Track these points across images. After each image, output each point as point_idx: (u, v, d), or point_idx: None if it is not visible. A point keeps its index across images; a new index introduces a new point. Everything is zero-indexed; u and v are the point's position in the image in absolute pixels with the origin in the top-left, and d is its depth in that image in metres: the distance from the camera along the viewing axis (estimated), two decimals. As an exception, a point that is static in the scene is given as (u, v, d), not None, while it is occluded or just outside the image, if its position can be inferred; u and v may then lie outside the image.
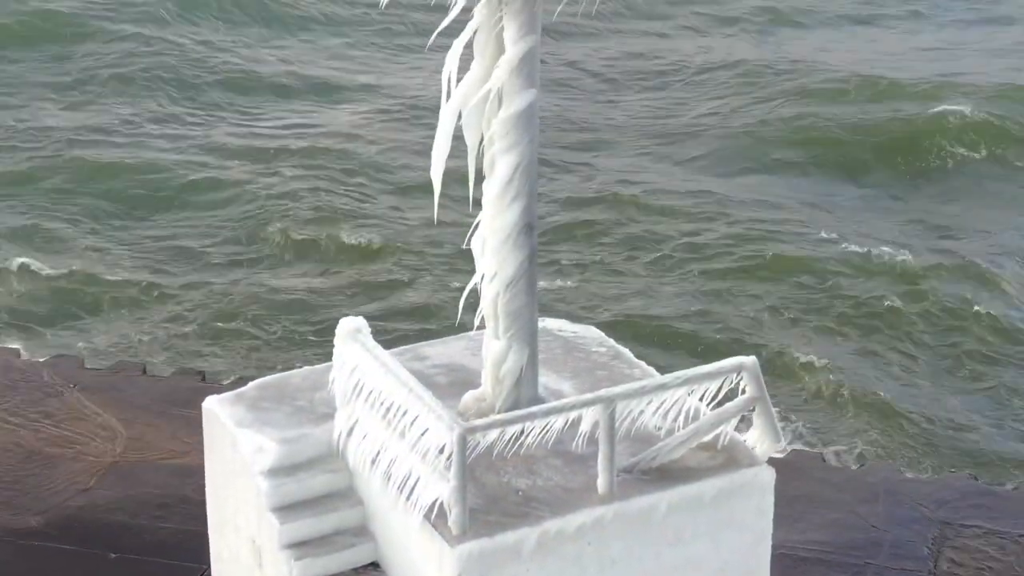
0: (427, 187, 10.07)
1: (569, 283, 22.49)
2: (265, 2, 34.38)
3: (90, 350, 20.27)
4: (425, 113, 27.28)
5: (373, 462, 9.86)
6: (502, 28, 9.55)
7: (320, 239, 23.29)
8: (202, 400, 11.01)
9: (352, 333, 10.18)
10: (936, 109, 29.56)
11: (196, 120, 28.60)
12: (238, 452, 10.37)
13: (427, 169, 9.94)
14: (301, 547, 10.01)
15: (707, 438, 10.07)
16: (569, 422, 9.60)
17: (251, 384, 11.08)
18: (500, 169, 9.76)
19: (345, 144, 26.93)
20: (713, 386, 9.96)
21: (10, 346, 19.47)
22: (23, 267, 22.48)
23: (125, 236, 24.09)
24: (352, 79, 30.68)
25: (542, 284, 20.29)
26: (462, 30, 9.63)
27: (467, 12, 9.49)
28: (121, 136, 27.54)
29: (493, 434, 9.34)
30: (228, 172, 25.90)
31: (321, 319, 20.73)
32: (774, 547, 10.24)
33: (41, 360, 17.44)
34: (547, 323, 11.65)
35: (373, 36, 33.38)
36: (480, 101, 9.70)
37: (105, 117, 28.60)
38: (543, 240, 21.18)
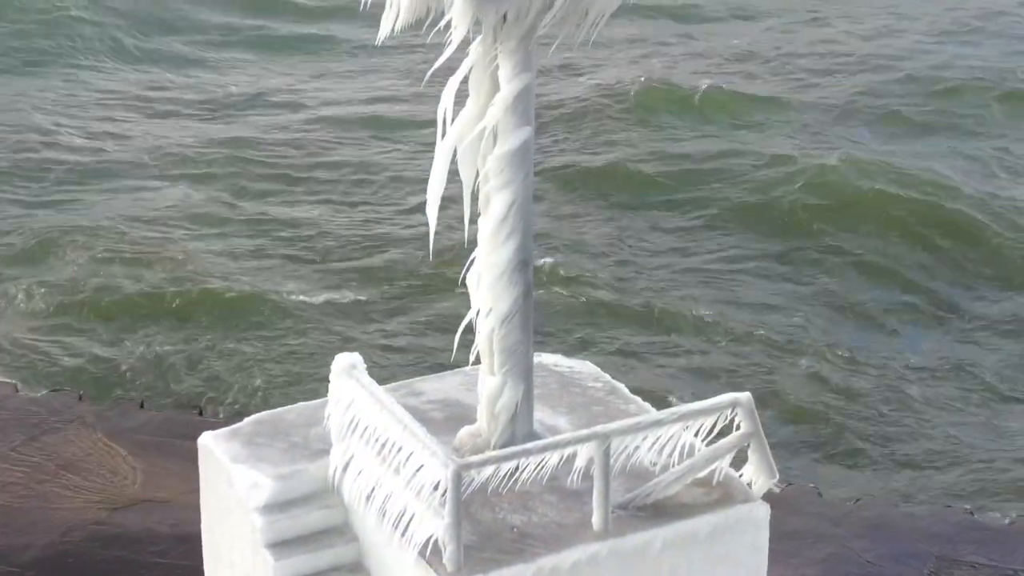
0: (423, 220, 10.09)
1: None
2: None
3: (89, 382, 20.25)
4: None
5: (368, 498, 9.86)
6: (497, 66, 9.61)
7: (315, 272, 23.33)
8: (199, 434, 11.02)
9: (347, 369, 10.20)
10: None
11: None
12: (233, 488, 10.38)
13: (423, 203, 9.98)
14: (296, 583, 10.00)
15: (702, 474, 10.09)
16: (564, 458, 9.61)
17: (247, 420, 11.09)
18: (495, 206, 9.81)
19: (341, 176, 26.99)
20: (708, 422, 9.98)
21: (8, 380, 19.46)
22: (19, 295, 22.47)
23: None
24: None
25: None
26: (457, 67, 9.70)
27: (463, 50, 9.55)
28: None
29: (488, 470, 9.35)
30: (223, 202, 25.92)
31: (316, 353, 20.74)
32: (769, 583, 10.24)
33: (39, 395, 17.44)
34: (543, 358, 11.68)
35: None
36: (475, 138, 9.76)
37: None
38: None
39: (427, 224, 9.86)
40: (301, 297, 22.43)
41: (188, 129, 29.80)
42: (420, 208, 23.44)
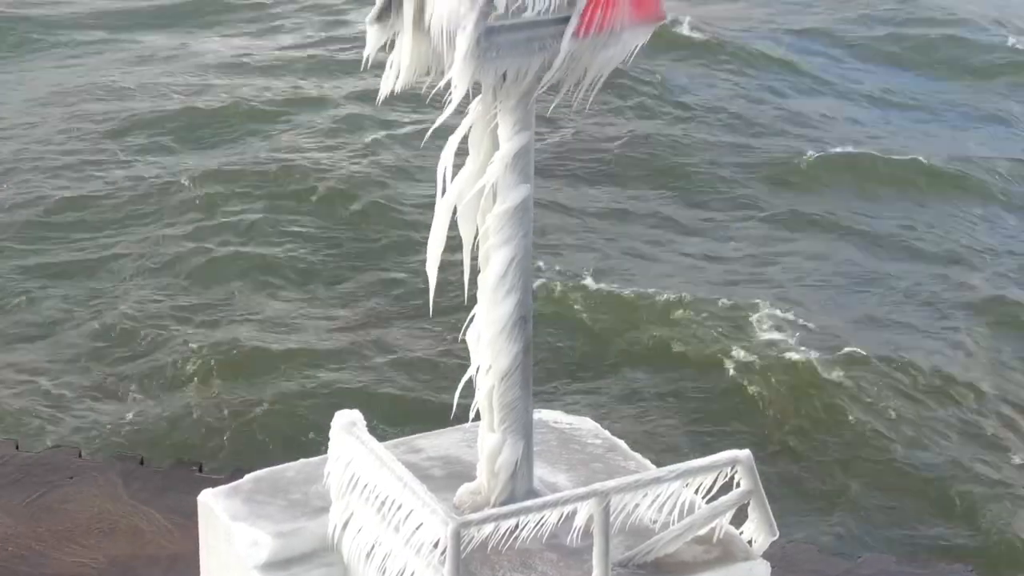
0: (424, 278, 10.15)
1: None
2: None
3: (87, 439, 20.23)
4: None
5: (368, 556, 9.84)
6: (496, 125, 9.69)
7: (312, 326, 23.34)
8: (199, 491, 11.01)
9: (347, 426, 10.21)
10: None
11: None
12: (233, 546, 10.36)
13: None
14: (295, 642, 9.97)
15: (702, 531, 10.08)
16: (564, 516, 9.60)
17: (247, 477, 11.08)
18: (494, 263, 9.86)
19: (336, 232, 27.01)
20: (708, 479, 9.99)
21: (7, 437, 19.43)
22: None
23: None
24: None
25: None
26: (457, 125, 9.78)
27: (462, 108, 9.63)
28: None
29: (488, 528, 9.34)
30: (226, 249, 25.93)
31: (314, 408, 20.72)
32: (770, 642, 10.19)
33: (39, 452, 17.42)
34: (542, 415, 11.69)
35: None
36: (475, 196, 9.83)
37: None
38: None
39: (427, 282, 9.92)
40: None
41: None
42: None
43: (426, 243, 9.95)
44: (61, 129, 30.77)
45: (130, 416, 20.93)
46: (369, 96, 29.47)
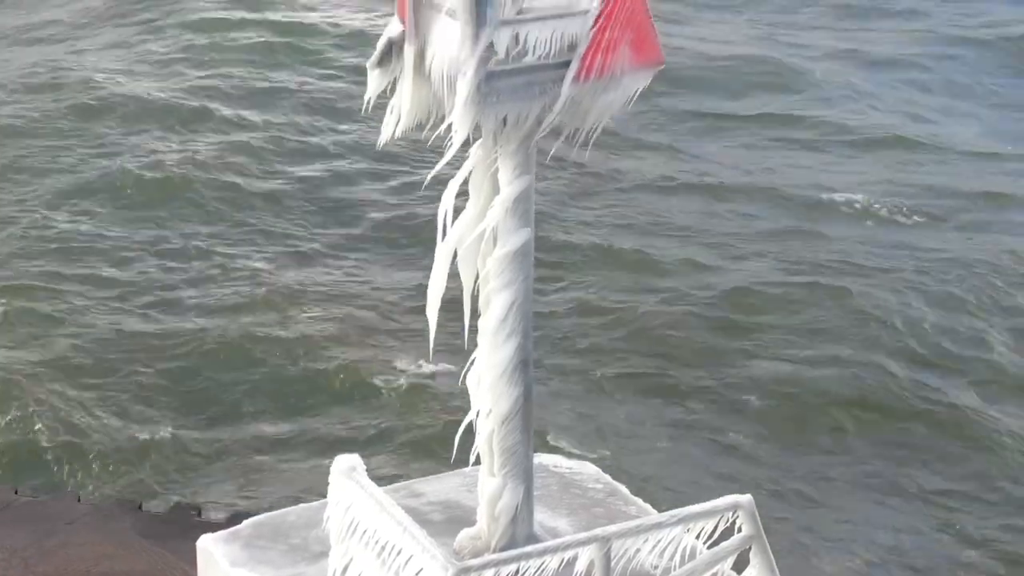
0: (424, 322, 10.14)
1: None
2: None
3: (86, 484, 20.15)
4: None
5: (367, 601, 9.77)
6: (497, 168, 9.72)
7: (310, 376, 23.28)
8: (198, 535, 10.97)
9: (347, 471, 10.16)
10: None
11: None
12: (232, 592, 10.31)
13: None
14: None
15: (704, 577, 10.01)
16: (565, 561, 9.54)
17: (246, 522, 11.04)
18: (495, 307, 9.86)
19: (339, 282, 26.98)
20: (709, 524, 9.93)
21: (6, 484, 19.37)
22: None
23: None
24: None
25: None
26: (458, 169, 9.80)
27: (463, 152, 9.66)
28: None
29: (488, 574, 9.28)
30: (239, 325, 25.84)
31: (316, 450, 20.66)
32: None
33: (38, 498, 17.36)
34: (543, 459, 11.66)
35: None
36: (475, 240, 9.84)
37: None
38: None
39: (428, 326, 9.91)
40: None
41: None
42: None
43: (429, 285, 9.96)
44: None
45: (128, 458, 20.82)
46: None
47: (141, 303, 25.29)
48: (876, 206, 30.26)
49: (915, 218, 29.90)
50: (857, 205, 30.23)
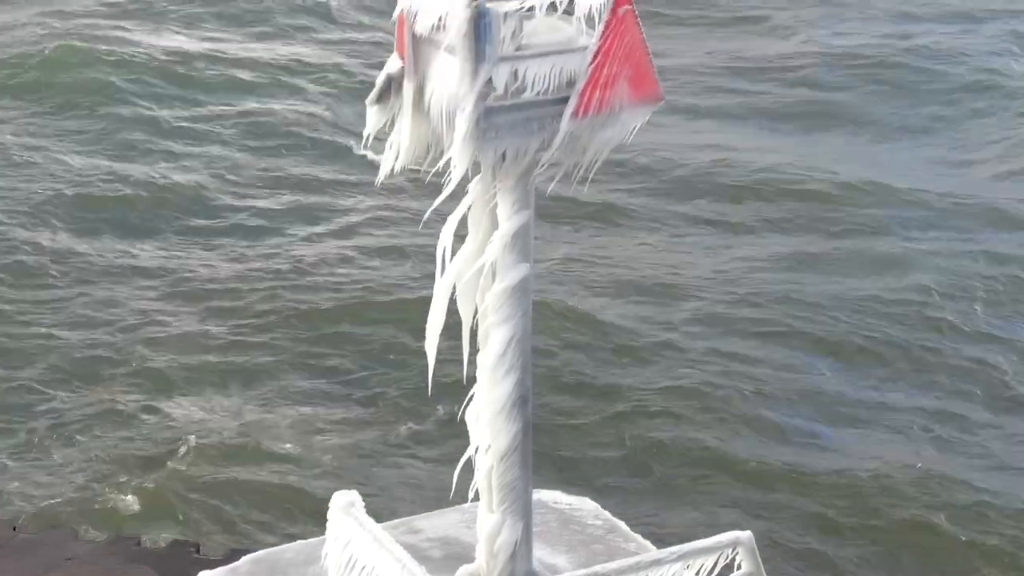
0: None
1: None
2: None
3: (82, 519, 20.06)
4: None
5: (366, 639, 9.73)
6: (496, 204, 9.73)
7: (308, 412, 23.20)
8: (197, 571, 10.93)
9: (345, 507, 10.15)
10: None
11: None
12: (230, 629, 10.27)
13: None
14: None
15: (703, 614, 9.96)
16: (563, 598, 9.52)
17: (244, 559, 11.00)
18: (494, 342, 9.85)
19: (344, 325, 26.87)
20: (709, 561, 9.89)
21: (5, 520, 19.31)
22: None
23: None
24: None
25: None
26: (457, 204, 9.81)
27: (462, 188, 9.67)
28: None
29: (486, 610, 9.25)
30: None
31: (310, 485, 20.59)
32: None
33: (37, 535, 17.30)
34: (542, 495, 11.63)
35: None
36: (474, 275, 9.84)
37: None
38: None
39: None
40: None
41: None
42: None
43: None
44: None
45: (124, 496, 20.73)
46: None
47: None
48: None
49: None
50: None
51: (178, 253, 27.30)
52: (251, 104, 34.12)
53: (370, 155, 26.04)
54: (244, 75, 35.28)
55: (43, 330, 24.09)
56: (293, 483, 20.71)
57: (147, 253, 27.19)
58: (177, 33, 37.64)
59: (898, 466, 21.50)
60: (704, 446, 21.78)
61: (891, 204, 29.99)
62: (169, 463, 20.79)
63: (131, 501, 19.90)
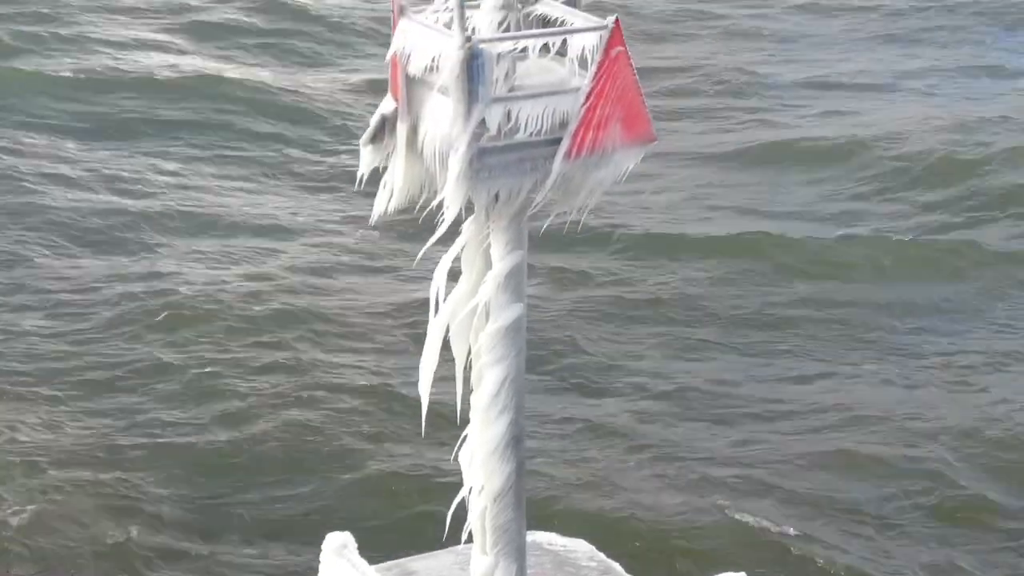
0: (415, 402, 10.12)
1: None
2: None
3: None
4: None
5: None
6: (489, 244, 9.74)
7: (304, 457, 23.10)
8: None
9: (338, 549, 10.12)
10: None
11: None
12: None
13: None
14: None
15: (698, 656, 9.93)
16: (557, 640, 9.47)
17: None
18: (487, 382, 9.84)
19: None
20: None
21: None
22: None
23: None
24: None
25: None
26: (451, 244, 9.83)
27: (455, 228, 9.68)
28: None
29: (480, 654, 9.20)
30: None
31: (307, 525, 20.51)
32: None
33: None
34: (536, 537, 11.58)
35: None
36: (468, 315, 9.84)
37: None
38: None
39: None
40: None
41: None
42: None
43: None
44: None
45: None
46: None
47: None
48: None
49: None
50: None
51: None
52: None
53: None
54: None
55: None
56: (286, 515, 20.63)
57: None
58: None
59: None
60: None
61: None
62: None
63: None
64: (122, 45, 38.94)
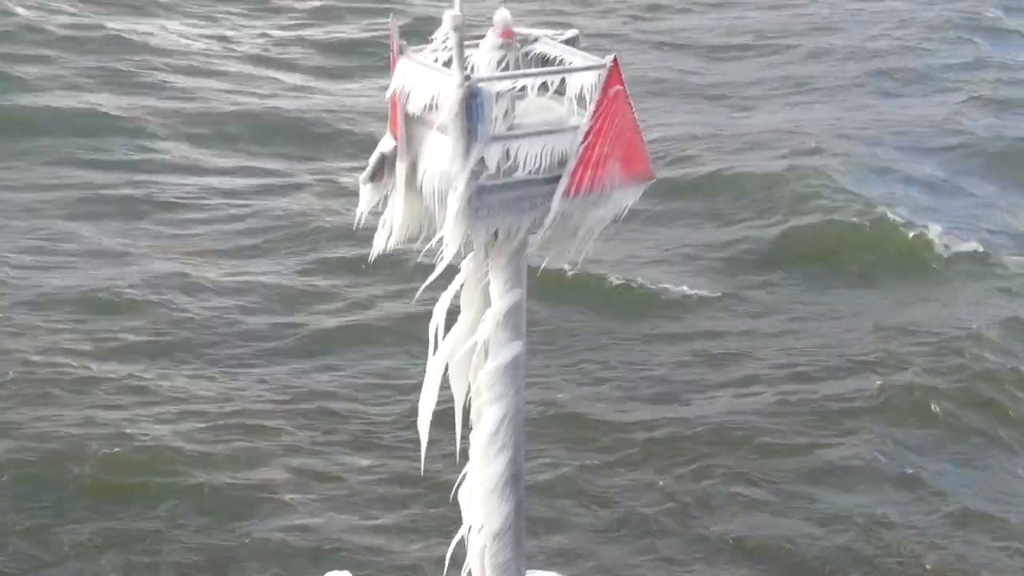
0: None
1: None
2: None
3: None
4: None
5: None
6: (488, 282, 9.76)
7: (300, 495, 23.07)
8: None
9: (336, 587, 10.09)
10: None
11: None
12: None
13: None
14: None
15: None
16: None
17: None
18: (486, 420, 9.85)
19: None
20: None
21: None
22: None
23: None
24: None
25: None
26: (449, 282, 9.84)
27: (454, 266, 9.70)
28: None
29: None
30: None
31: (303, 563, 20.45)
32: None
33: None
34: (536, 576, 11.54)
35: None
36: (467, 353, 9.85)
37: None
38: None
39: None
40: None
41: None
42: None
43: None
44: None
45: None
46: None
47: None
48: None
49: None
50: None
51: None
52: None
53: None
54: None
55: None
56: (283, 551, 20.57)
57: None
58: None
59: None
60: None
61: None
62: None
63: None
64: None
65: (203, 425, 22.72)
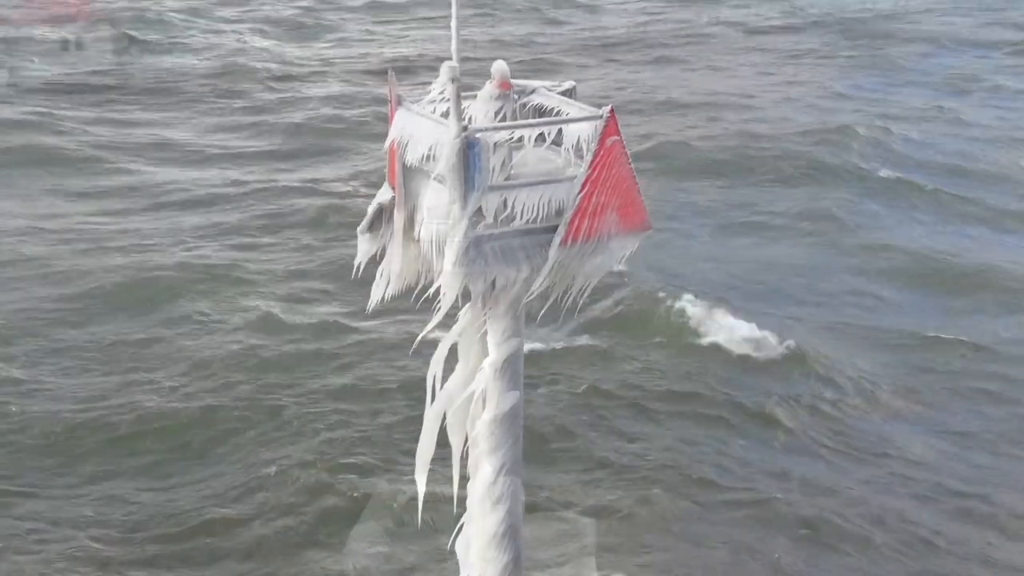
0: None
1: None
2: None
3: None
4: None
5: None
6: (486, 331, 9.76)
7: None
8: None
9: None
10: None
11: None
12: None
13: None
14: None
15: None
16: None
17: None
18: (484, 471, 9.82)
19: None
20: None
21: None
22: None
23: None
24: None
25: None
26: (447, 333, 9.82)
27: (452, 316, 9.70)
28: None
29: None
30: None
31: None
32: None
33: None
34: (534, 626, 11.47)
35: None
36: (464, 403, 9.84)
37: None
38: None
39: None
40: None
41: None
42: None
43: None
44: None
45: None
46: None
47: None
48: None
49: None
50: None
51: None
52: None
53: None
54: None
55: None
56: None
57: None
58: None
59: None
60: None
61: None
62: None
63: None
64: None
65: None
